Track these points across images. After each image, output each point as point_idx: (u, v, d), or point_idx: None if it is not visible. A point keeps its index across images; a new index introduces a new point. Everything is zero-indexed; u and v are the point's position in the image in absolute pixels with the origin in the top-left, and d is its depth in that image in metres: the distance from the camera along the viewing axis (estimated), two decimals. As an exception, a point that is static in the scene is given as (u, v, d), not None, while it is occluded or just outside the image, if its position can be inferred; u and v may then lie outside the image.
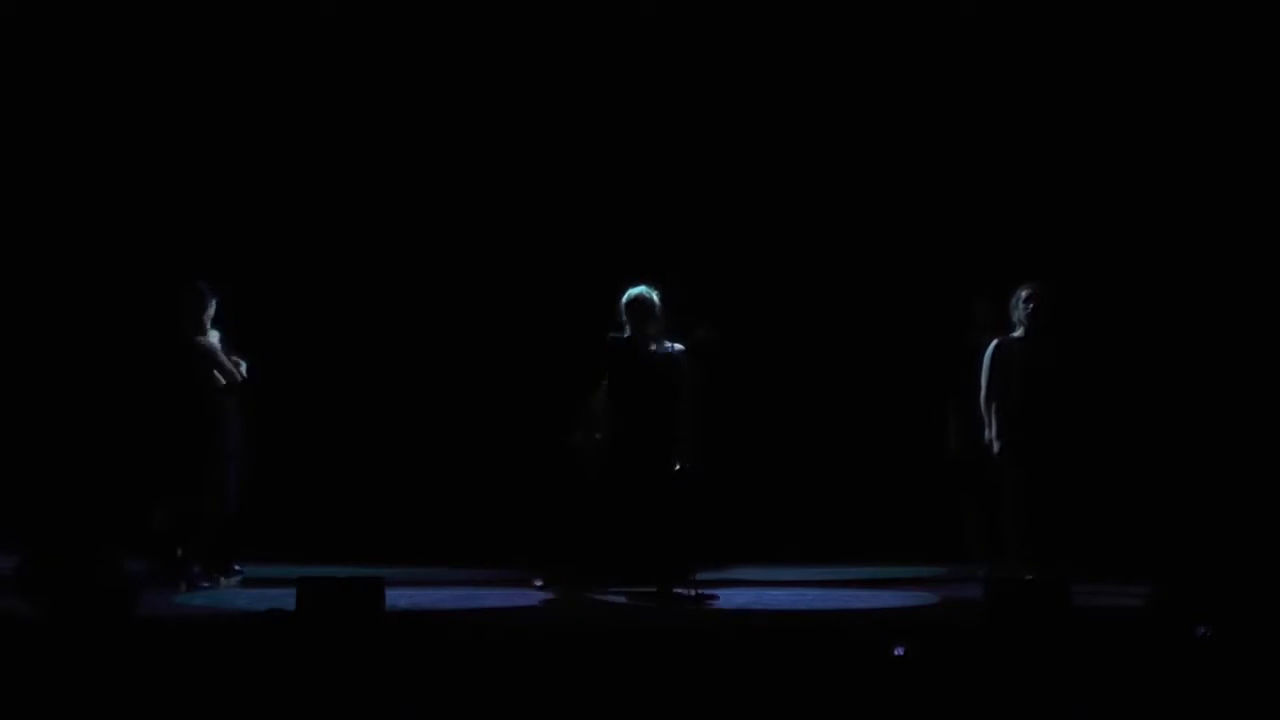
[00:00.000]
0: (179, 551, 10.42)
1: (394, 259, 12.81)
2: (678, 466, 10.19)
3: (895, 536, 11.95)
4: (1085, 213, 12.61)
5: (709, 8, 12.76)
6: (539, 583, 10.45)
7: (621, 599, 9.91)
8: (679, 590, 9.93)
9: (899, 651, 7.33)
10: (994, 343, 10.39)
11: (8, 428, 12.47)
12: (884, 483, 12.30)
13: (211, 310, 10.56)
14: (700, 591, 9.84)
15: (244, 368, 10.58)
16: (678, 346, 10.33)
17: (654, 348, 10.26)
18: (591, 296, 10.90)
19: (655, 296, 10.30)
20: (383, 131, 12.82)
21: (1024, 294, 10.35)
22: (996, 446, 10.24)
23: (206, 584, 10.35)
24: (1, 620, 7.77)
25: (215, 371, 10.46)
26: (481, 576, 10.86)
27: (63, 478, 12.36)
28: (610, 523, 10.26)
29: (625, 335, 10.31)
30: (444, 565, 11.34)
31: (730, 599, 10.00)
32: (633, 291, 10.34)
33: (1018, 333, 10.37)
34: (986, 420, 10.30)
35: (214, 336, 10.58)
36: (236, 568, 10.71)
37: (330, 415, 12.74)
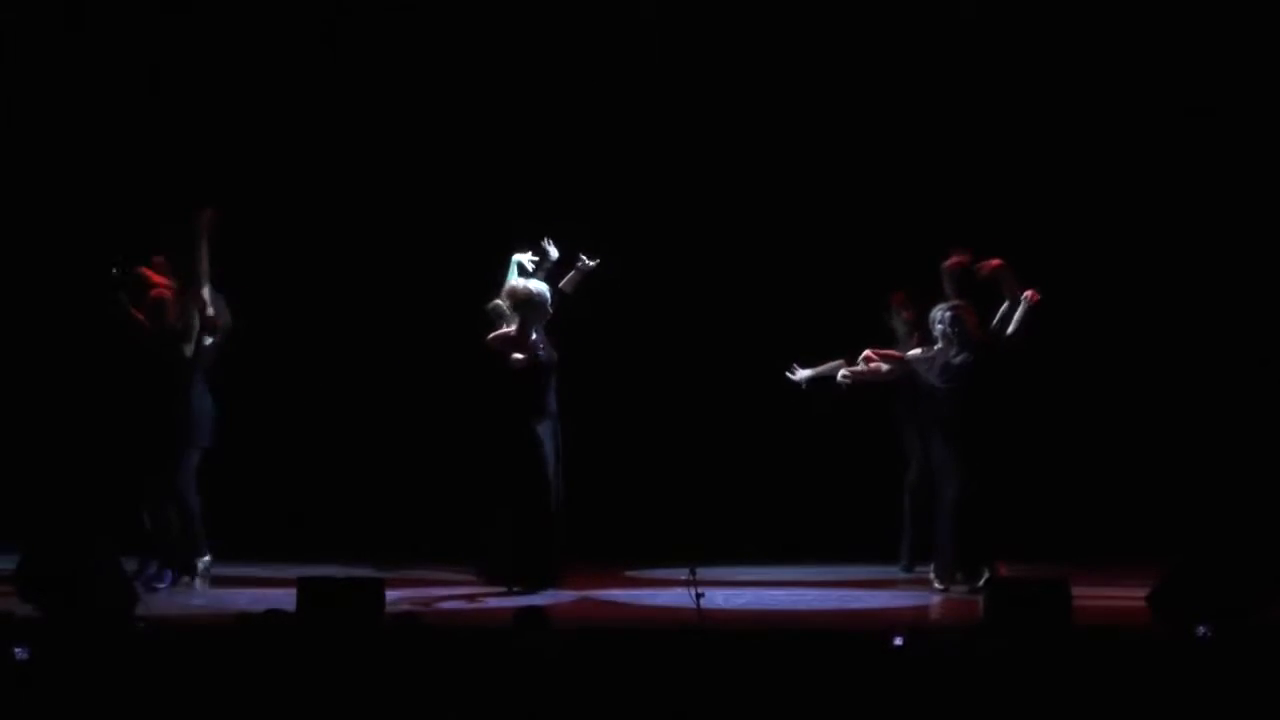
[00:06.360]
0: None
1: (393, 260, 12.80)
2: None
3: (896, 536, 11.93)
4: (1084, 210, 12.63)
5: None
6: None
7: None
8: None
9: (898, 642, 7.33)
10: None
11: (7, 428, 12.46)
12: (886, 482, 12.28)
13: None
14: (700, 591, 9.83)
15: None
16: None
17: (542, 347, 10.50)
18: (591, 296, 10.93)
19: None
20: (377, 131, 12.82)
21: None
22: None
23: (161, 585, 10.31)
24: (1, 620, 7.76)
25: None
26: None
27: (62, 478, 12.34)
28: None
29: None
30: (443, 565, 11.34)
31: (730, 599, 10.00)
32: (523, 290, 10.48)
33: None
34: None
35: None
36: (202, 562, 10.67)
37: (329, 415, 12.72)
